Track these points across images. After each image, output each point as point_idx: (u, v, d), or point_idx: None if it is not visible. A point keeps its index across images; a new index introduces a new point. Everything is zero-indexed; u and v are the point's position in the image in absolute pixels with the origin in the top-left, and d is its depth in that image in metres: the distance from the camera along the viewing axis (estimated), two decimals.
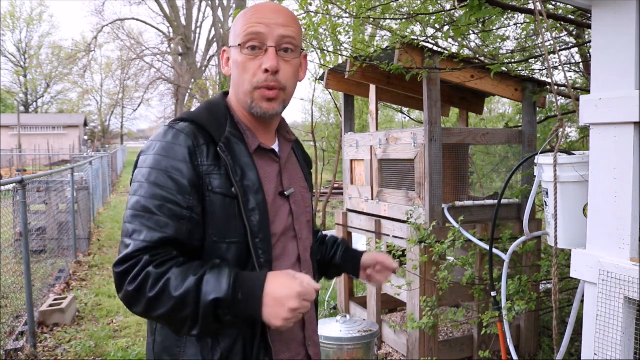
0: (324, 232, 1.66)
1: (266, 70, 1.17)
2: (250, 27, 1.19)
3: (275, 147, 1.31)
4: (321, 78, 4.49)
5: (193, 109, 1.27)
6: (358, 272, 1.55)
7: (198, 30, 33.34)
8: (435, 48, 3.64)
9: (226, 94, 1.32)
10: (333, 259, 1.57)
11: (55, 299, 4.94)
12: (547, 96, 3.69)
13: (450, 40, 4.56)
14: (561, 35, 4.73)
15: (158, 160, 1.13)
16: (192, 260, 1.11)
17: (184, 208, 1.11)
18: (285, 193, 1.27)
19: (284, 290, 1.05)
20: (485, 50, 4.68)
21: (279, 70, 1.18)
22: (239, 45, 1.20)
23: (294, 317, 1.05)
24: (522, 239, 2.73)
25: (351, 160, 4.30)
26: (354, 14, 3.58)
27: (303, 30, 3.71)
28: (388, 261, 1.51)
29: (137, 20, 47.72)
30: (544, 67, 4.29)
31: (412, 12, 3.86)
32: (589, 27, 2.71)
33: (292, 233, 1.28)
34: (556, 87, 3.79)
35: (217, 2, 28.10)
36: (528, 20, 4.31)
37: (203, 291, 1.04)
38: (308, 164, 1.49)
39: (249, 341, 1.18)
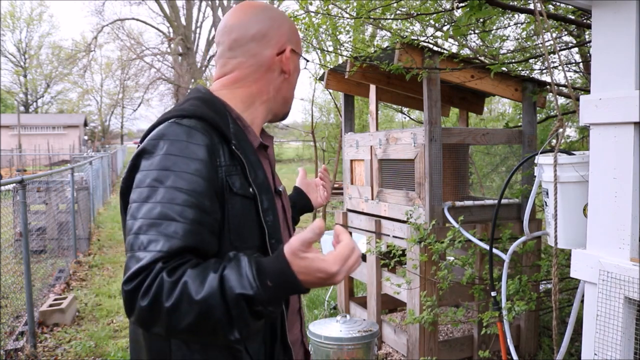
0: None
1: None
2: (293, 35, 1.28)
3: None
4: (321, 78, 4.49)
5: (184, 105, 1.15)
6: (309, 201, 1.63)
7: (198, 30, 33.35)
8: (435, 48, 3.64)
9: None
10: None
11: (55, 299, 4.94)
12: (547, 96, 3.69)
13: (450, 40, 4.56)
14: (561, 35, 4.73)
15: (173, 161, 1.01)
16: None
17: (207, 213, 1.01)
18: (279, 189, 1.29)
19: (313, 270, 0.93)
20: (485, 50, 4.68)
21: None
22: (299, 54, 1.29)
23: (347, 270, 0.95)
24: (522, 239, 2.73)
25: (351, 160, 4.30)
26: (354, 14, 3.58)
27: (303, 30, 3.73)
28: (302, 175, 1.66)
29: (137, 20, 47.56)
30: (544, 67, 4.29)
31: (412, 12, 3.86)
32: (589, 27, 2.71)
33: (287, 230, 1.29)
34: (556, 87, 3.79)
35: (217, 2, 28.10)
36: (528, 20, 4.31)
37: (227, 288, 0.90)
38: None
39: (270, 344, 1.14)
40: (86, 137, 39.56)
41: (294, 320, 1.28)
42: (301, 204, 1.61)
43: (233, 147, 1.10)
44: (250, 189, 1.10)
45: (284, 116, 1.33)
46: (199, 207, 1.00)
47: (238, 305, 0.90)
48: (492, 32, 4.42)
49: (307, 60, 1.37)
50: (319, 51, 4.52)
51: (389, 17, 3.77)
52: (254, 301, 0.91)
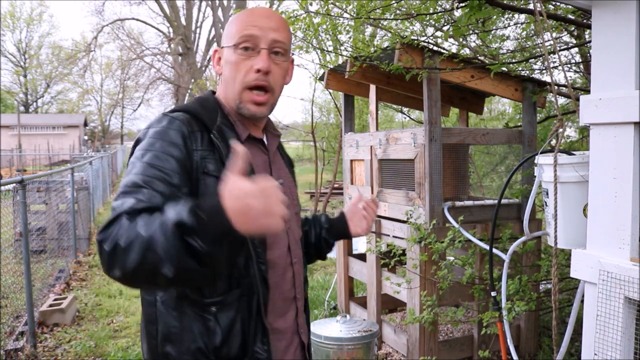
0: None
1: (258, 70, 1.24)
2: (244, 30, 1.25)
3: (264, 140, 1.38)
4: (321, 78, 4.49)
5: (185, 103, 1.34)
6: (347, 228, 1.57)
7: (198, 30, 33.32)
8: (435, 48, 3.64)
9: (214, 92, 1.37)
10: (322, 230, 1.60)
11: (55, 299, 4.94)
12: (547, 96, 3.69)
13: (450, 40, 4.56)
14: (561, 35, 4.73)
15: (151, 143, 1.17)
16: None
17: (172, 185, 1.13)
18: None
19: (242, 189, 0.95)
20: (485, 50, 4.68)
21: (270, 71, 1.25)
22: (233, 45, 1.26)
23: (270, 217, 0.96)
24: (522, 239, 2.73)
25: (351, 160, 4.30)
26: (354, 14, 3.58)
27: (303, 30, 3.73)
28: (356, 200, 1.58)
29: (137, 20, 47.61)
30: (544, 67, 4.29)
31: (412, 12, 3.86)
32: (589, 27, 2.71)
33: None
34: (556, 87, 3.79)
35: (217, 2, 28.10)
36: (528, 20, 4.31)
37: (165, 220, 0.96)
38: (291, 164, 1.54)
39: (247, 323, 1.20)
40: (86, 137, 39.56)
41: (286, 307, 1.32)
42: (338, 228, 1.58)
43: (212, 135, 1.22)
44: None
45: (239, 110, 1.29)
46: (166, 180, 1.12)
47: (174, 235, 0.94)
48: (492, 32, 4.42)
49: (246, 41, 1.26)
50: (319, 51, 4.51)
51: (389, 17, 3.77)
52: (186, 229, 0.94)
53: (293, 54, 1.37)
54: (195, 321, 1.18)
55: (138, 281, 1.04)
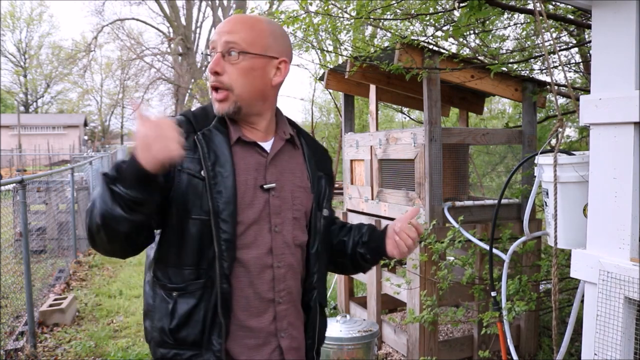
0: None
1: (210, 73, 1.34)
2: (211, 37, 1.38)
3: (267, 143, 1.38)
4: (321, 78, 4.49)
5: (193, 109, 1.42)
6: (384, 245, 1.44)
7: (198, 30, 33.29)
8: (435, 48, 3.64)
9: None
10: (359, 242, 1.50)
11: (55, 299, 4.93)
12: (547, 96, 3.69)
13: (450, 40, 4.56)
14: (561, 35, 4.73)
15: None
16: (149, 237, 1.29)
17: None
18: (265, 186, 1.33)
19: (139, 133, 1.13)
20: (485, 50, 4.68)
21: (217, 71, 1.32)
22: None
23: (164, 142, 1.11)
24: (522, 239, 2.73)
25: (351, 160, 4.30)
26: (354, 14, 3.58)
27: (303, 30, 3.73)
28: (407, 216, 1.41)
29: (137, 20, 47.69)
30: (544, 67, 4.29)
31: (412, 12, 3.86)
32: (589, 27, 2.71)
33: (266, 225, 1.33)
34: (556, 87, 3.79)
35: (217, 2, 28.10)
36: (528, 20, 4.31)
37: (102, 177, 1.16)
38: (322, 161, 1.50)
39: (208, 314, 1.27)
40: (86, 137, 39.55)
41: (262, 308, 1.33)
42: (375, 243, 1.47)
43: (195, 137, 1.30)
44: (202, 172, 1.27)
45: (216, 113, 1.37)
46: None
47: (102, 186, 1.15)
48: (492, 32, 4.42)
49: (206, 54, 1.42)
50: (319, 51, 4.51)
51: (389, 17, 3.77)
52: (110, 178, 1.14)
53: (275, 57, 1.36)
54: (162, 302, 1.30)
55: (95, 241, 1.22)
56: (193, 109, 1.42)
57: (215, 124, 1.34)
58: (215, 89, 1.33)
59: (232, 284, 1.29)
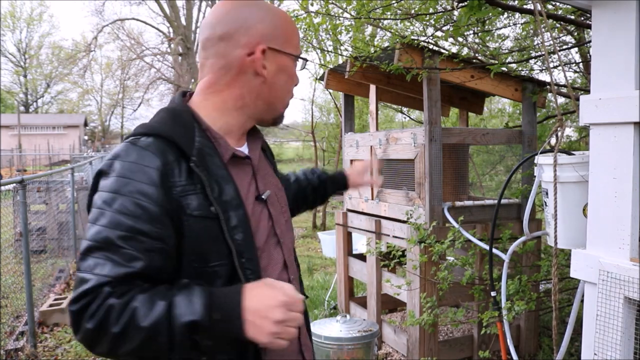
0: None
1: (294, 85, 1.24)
2: (298, 41, 1.21)
3: (245, 149, 1.22)
4: (321, 78, 4.48)
5: (152, 120, 1.13)
6: (346, 180, 1.78)
7: (198, 30, 33.30)
8: (435, 48, 3.64)
9: (184, 94, 1.20)
10: (319, 179, 1.73)
11: (56, 299, 4.93)
12: (547, 96, 3.69)
13: (450, 40, 4.56)
14: (561, 35, 4.73)
15: (121, 184, 1.00)
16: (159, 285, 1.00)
17: (154, 239, 0.99)
18: (262, 197, 1.18)
19: (264, 300, 0.96)
20: (485, 50, 4.68)
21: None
22: (295, 56, 1.19)
23: (283, 332, 0.96)
24: (522, 239, 2.72)
25: (351, 160, 4.30)
26: (355, 14, 3.58)
27: (303, 30, 3.73)
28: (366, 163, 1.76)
29: (137, 20, 47.54)
30: (543, 67, 4.29)
31: (412, 12, 3.86)
32: (589, 27, 2.71)
33: (274, 239, 1.20)
34: (556, 87, 3.79)
35: (217, 2, 28.08)
36: (528, 20, 4.31)
37: (175, 315, 0.92)
38: (271, 154, 1.40)
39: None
40: (86, 137, 39.55)
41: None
42: (336, 179, 1.77)
43: (192, 164, 1.05)
44: (212, 208, 1.04)
45: (275, 121, 1.22)
46: (145, 233, 0.98)
47: (182, 335, 0.93)
48: (492, 32, 4.42)
49: (306, 60, 1.24)
50: (319, 51, 4.51)
51: (389, 17, 3.76)
52: (198, 330, 0.93)
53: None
54: None
55: (92, 347, 0.99)
56: (154, 119, 1.12)
57: (200, 139, 1.09)
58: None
59: None
